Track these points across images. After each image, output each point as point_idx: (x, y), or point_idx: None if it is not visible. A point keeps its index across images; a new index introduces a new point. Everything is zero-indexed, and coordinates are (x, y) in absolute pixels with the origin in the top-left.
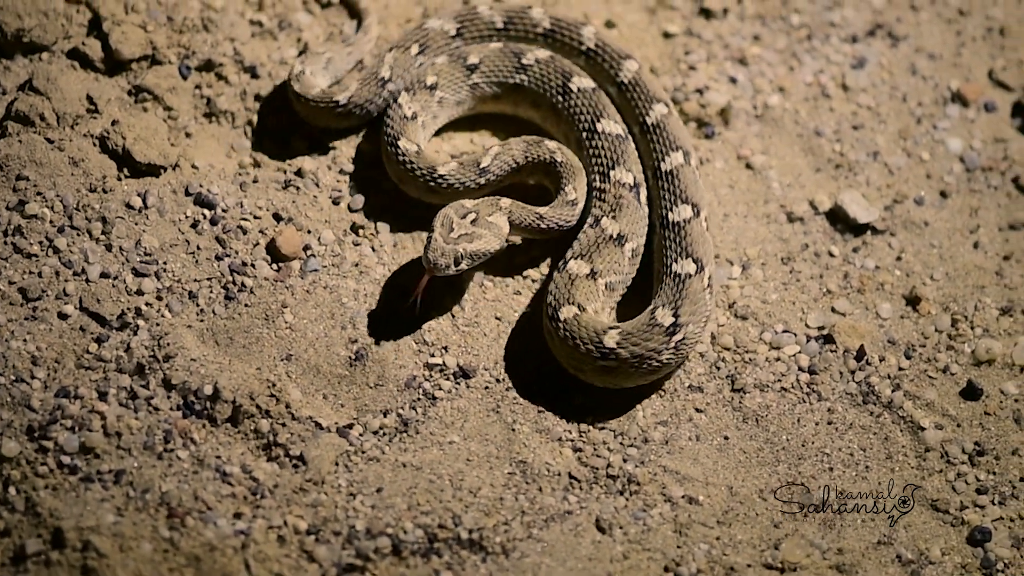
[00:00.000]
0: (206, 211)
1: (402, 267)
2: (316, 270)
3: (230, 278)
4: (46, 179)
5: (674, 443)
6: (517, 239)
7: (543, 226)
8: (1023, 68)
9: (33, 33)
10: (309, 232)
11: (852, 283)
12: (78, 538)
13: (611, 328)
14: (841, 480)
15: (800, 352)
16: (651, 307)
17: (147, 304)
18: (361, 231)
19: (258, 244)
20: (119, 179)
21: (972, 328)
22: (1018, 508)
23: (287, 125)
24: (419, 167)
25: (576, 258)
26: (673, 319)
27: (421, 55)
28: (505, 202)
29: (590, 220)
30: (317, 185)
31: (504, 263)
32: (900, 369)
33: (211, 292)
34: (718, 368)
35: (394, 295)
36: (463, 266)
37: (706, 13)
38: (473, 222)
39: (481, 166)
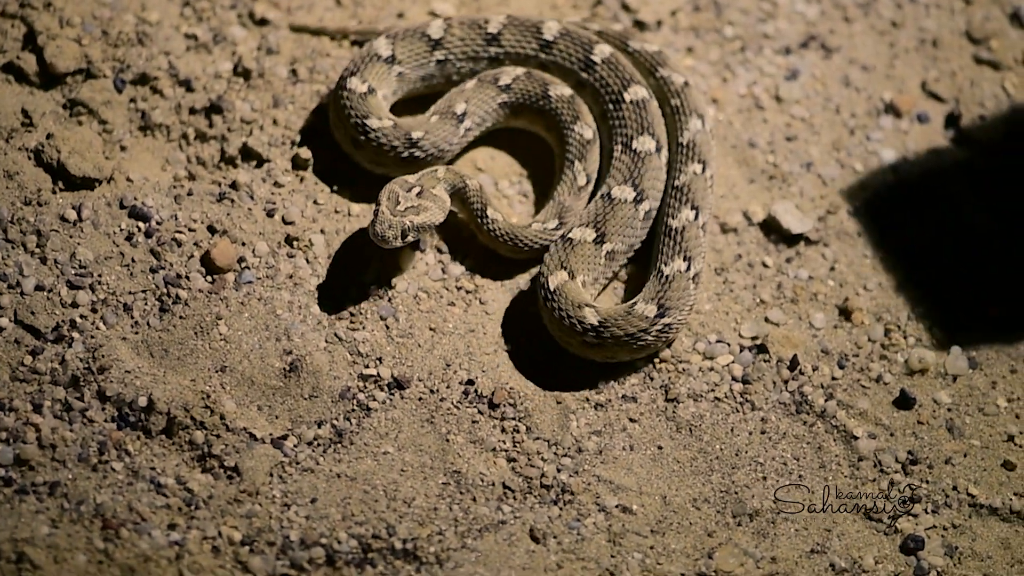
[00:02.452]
0: (141, 224)
1: (335, 278)
2: (250, 282)
3: (165, 290)
4: None
5: (608, 453)
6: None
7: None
8: (956, 79)
9: None
10: (243, 244)
11: (786, 293)
12: (12, 550)
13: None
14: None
15: (734, 362)
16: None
17: (82, 316)
18: (295, 243)
19: (192, 256)
20: (54, 192)
21: (905, 338)
22: (951, 516)
23: (221, 137)
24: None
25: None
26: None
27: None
28: (446, 173)
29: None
30: (252, 197)
31: (436, 274)
32: (833, 379)
33: (146, 304)
34: (652, 378)
35: (329, 306)
36: (410, 238)
37: (640, 25)
38: (419, 195)
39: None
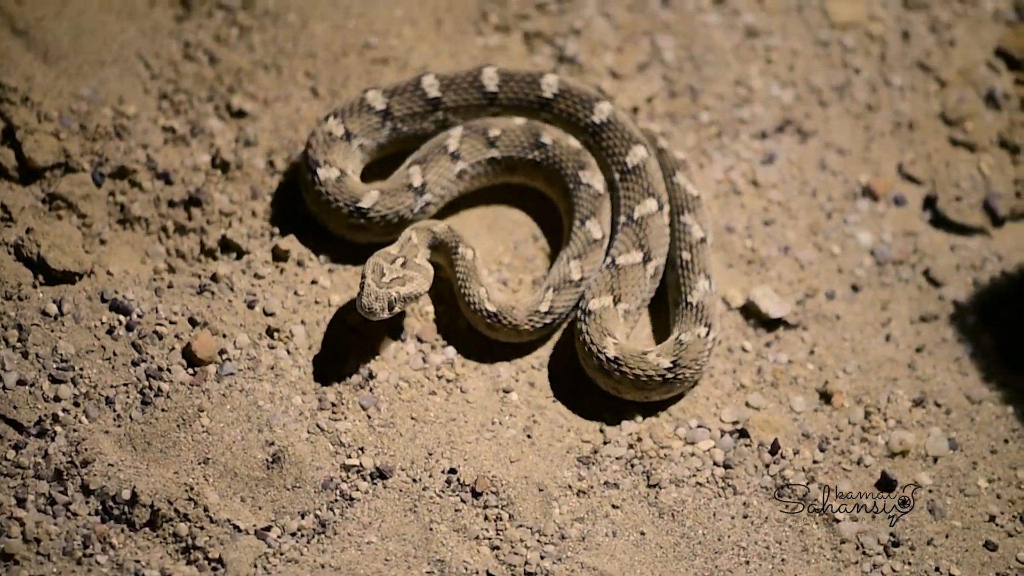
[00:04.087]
0: (122, 317)
1: (316, 369)
2: (232, 374)
3: (146, 383)
4: None
5: (591, 539)
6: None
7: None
8: (932, 162)
9: None
10: (224, 336)
11: (766, 377)
12: None
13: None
14: (758, 573)
15: (715, 447)
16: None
17: (64, 410)
18: (276, 334)
19: (174, 349)
20: (34, 286)
21: (885, 420)
22: None
23: (200, 230)
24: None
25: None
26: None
27: None
28: (421, 234)
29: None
30: (231, 289)
31: (417, 363)
32: (814, 462)
33: (128, 397)
34: (633, 464)
35: (310, 397)
36: (397, 309)
37: None
38: (403, 265)
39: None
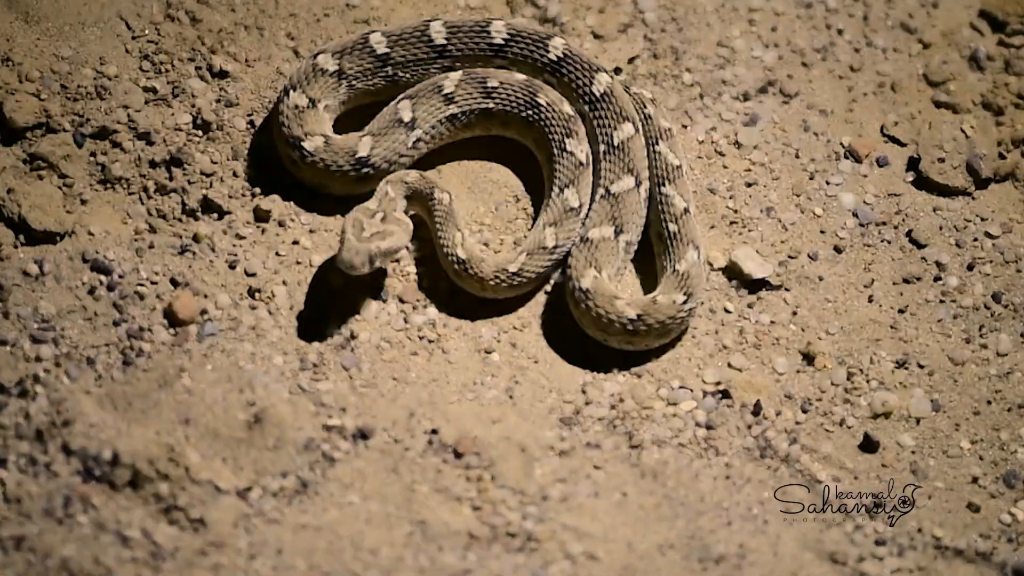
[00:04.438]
0: (103, 277)
1: (298, 329)
2: (213, 334)
3: (128, 343)
4: None
5: (573, 500)
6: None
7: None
8: (915, 123)
9: None
10: (206, 297)
11: (748, 339)
12: None
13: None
14: (740, 534)
15: (697, 408)
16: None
17: (45, 371)
18: (257, 295)
19: (155, 309)
20: (15, 247)
21: (868, 381)
22: (916, 559)
23: (182, 190)
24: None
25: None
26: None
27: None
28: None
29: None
30: (213, 250)
31: (398, 324)
32: (797, 423)
33: (109, 358)
34: (615, 425)
35: (292, 357)
36: (377, 264)
37: None
38: (382, 220)
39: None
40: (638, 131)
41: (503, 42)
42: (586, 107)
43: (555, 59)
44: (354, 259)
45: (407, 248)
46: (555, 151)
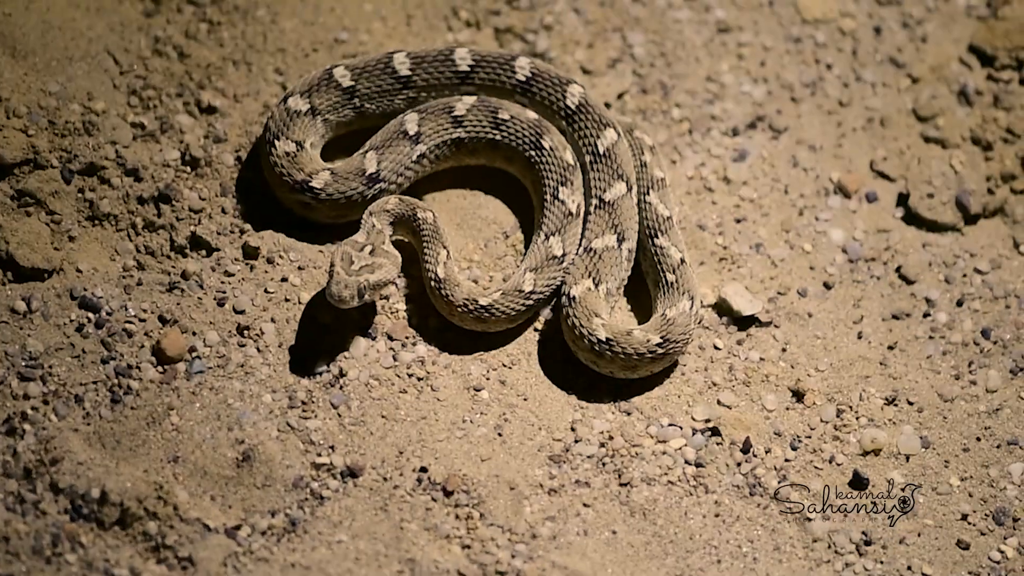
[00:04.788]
0: (91, 314)
1: (287, 367)
2: (201, 371)
3: (116, 381)
4: None
5: (562, 538)
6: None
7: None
8: (904, 158)
9: None
10: (194, 334)
11: (737, 375)
12: None
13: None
14: (730, 572)
15: (686, 445)
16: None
17: (33, 408)
18: (246, 332)
19: (143, 347)
20: (3, 283)
21: (857, 418)
22: None
23: (170, 227)
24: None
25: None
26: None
27: None
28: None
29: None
30: (201, 287)
31: (387, 361)
32: (786, 460)
33: (97, 395)
34: (604, 463)
35: (280, 395)
36: (367, 298)
37: None
38: (371, 253)
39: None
40: (620, 136)
41: (468, 68)
42: (563, 122)
43: (523, 79)
44: (343, 292)
45: (395, 285)
46: (548, 197)
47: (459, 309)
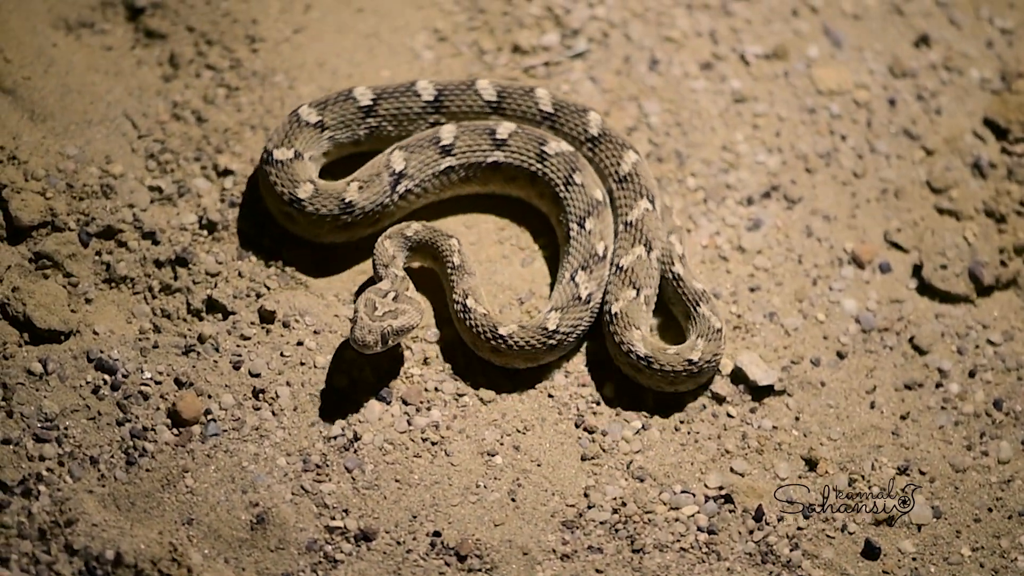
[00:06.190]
0: (107, 376)
1: (301, 430)
2: (216, 434)
3: (131, 443)
4: None
5: None
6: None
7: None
8: (917, 229)
9: None
10: (210, 397)
11: (750, 443)
12: None
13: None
14: None
15: (699, 512)
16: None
17: (48, 470)
18: (261, 395)
19: (159, 409)
20: (20, 345)
21: (869, 487)
22: None
23: (186, 290)
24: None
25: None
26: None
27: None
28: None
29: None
30: (217, 350)
31: (401, 425)
32: (799, 528)
33: (112, 457)
34: (617, 530)
35: (295, 458)
36: (390, 343)
37: None
38: (394, 299)
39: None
40: (640, 158)
41: (431, 99)
42: (588, 150)
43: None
44: (367, 337)
45: (410, 350)
46: (572, 232)
47: (472, 333)
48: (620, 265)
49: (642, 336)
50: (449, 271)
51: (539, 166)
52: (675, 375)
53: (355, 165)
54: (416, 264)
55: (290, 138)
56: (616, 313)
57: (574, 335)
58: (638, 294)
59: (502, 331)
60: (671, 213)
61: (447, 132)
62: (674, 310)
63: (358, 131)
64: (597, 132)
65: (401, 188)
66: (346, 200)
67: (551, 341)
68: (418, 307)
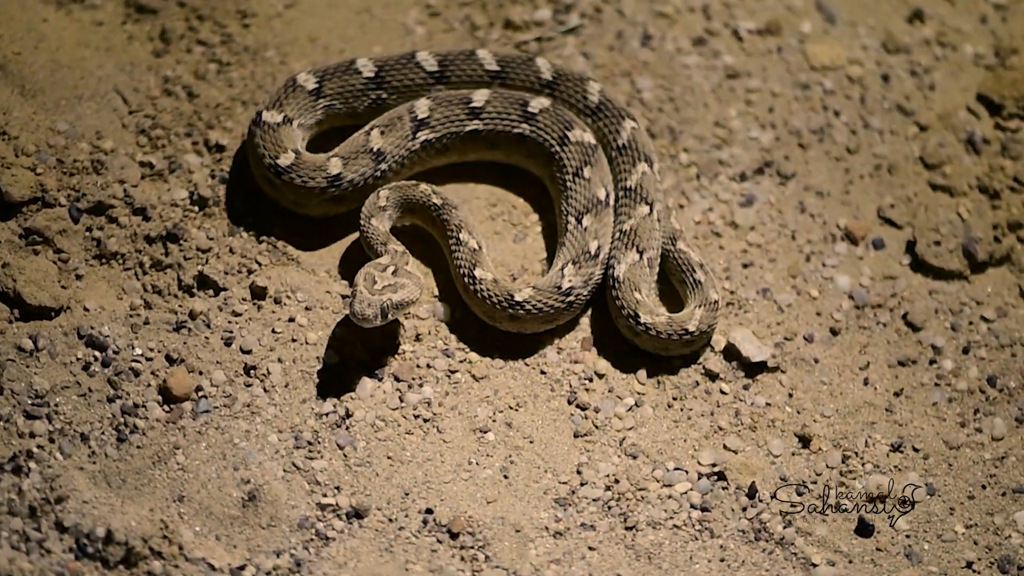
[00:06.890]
0: (97, 353)
1: (293, 407)
2: (208, 411)
3: (122, 420)
4: None
5: None
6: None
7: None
8: (911, 205)
9: None
10: (201, 373)
11: (743, 420)
12: None
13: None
14: None
15: (692, 489)
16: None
17: (39, 447)
18: (253, 372)
19: (150, 386)
20: (10, 322)
21: (863, 464)
22: None
23: (177, 266)
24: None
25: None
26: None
27: None
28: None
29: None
30: (208, 326)
31: (393, 402)
32: (792, 506)
33: (103, 434)
34: (610, 507)
35: (286, 435)
36: (390, 317)
37: None
38: (394, 273)
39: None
40: (638, 125)
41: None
42: (587, 118)
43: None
44: (366, 310)
45: (402, 327)
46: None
47: (471, 290)
48: (623, 229)
49: (643, 299)
50: (450, 233)
51: (525, 125)
52: (669, 339)
53: (345, 137)
54: (408, 223)
55: (282, 103)
56: (619, 276)
57: (586, 292)
58: (641, 256)
59: (518, 297)
60: (670, 214)
61: (423, 105)
62: (672, 279)
63: (358, 102)
64: (597, 101)
65: (382, 167)
66: (332, 174)
67: (568, 298)
68: (418, 281)
